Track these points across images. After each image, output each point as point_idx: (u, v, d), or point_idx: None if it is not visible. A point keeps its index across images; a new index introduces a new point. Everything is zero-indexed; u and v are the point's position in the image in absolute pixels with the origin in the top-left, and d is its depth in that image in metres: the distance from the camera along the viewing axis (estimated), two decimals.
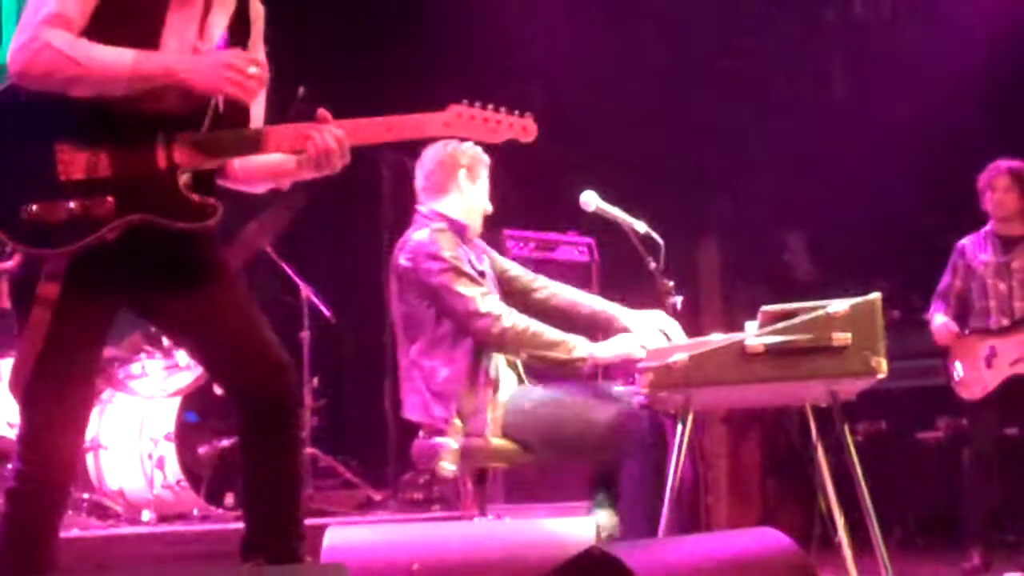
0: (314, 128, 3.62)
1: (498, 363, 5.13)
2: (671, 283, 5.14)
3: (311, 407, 6.94)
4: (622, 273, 6.68)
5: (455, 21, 8.38)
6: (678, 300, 5.15)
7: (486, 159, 5.33)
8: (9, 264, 3.52)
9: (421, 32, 8.39)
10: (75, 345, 3.45)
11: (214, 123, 3.50)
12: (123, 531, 5.89)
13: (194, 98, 3.48)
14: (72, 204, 3.34)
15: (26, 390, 3.40)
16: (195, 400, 6.28)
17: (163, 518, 6.16)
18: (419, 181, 5.31)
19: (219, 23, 3.64)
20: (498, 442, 5.01)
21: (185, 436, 6.20)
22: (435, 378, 5.01)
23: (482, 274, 5.15)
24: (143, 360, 6.66)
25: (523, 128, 3.83)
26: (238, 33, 3.67)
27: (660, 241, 5.13)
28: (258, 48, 3.75)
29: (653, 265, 5.13)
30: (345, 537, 3.88)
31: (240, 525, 5.74)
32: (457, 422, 4.95)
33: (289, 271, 7.19)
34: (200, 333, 3.65)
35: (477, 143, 4.11)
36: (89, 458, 6.35)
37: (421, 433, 5.08)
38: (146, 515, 6.15)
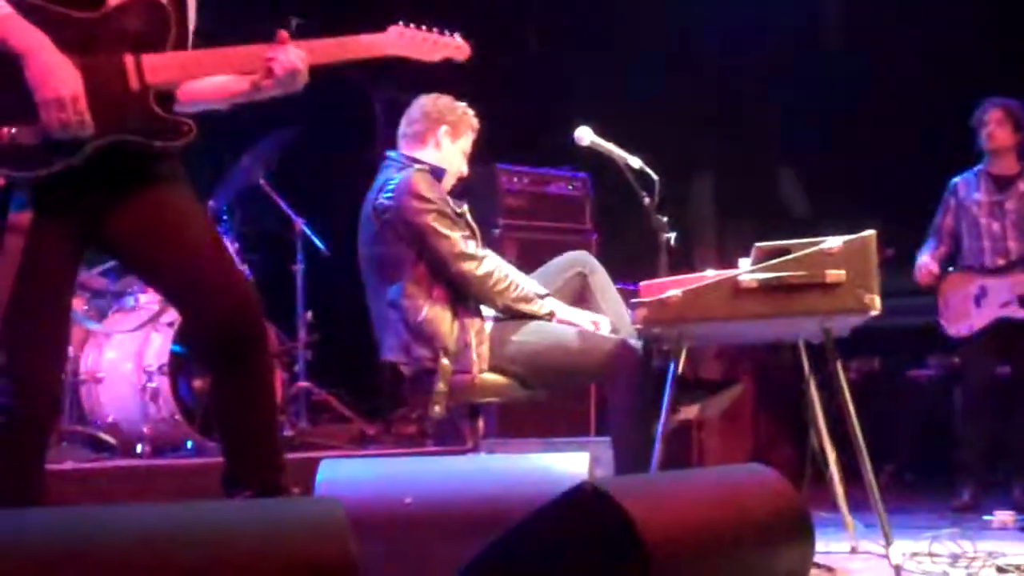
0: (278, 49, 3.64)
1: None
2: (665, 219, 5.14)
3: (304, 341, 6.94)
4: (616, 209, 6.68)
5: None
6: (672, 236, 5.15)
7: (475, 124, 5.35)
8: None
9: None
10: (49, 272, 3.43)
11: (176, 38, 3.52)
12: (118, 463, 5.89)
13: (156, 19, 3.48)
14: (37, 126, 3.31)
15: (3, 320, 3.37)
16: (187, 331, 6.25)
17: (157, 450, 6.17)
18: (402, 127, 5.33)
19: None
20: (488, 377, 5.02)
21: (178, 369, 6.18)
22: (416, 317, 5.01)
23: (461, 216, 5.16)
24: (136, 294, 6.64)
25: (457, 48, 4.09)
26: None
27: (654, 176, 5.12)
28: None
29: (647, 200, 5.13)
30: (338, 471, 3.88)
31: None
32: (444, 361, 4.95)
33: (282, 204, 7.17)
34: (167, 265, 3.62)
35: (418, 62, 4.03)
36: (84, 391, 6.36)
37: (405, 373, 5.09)
38: (140, 447, 6.16)
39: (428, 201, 5.03)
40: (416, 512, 3.62)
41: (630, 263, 6.80)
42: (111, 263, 6.49)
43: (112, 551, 1.89)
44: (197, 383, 6.21)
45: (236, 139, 7.13)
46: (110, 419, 6.30)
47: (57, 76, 3.33)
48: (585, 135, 5.26)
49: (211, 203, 6.91)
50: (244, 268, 6.79)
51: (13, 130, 3.31)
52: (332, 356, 7.19)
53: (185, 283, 3.62)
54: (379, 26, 3.94)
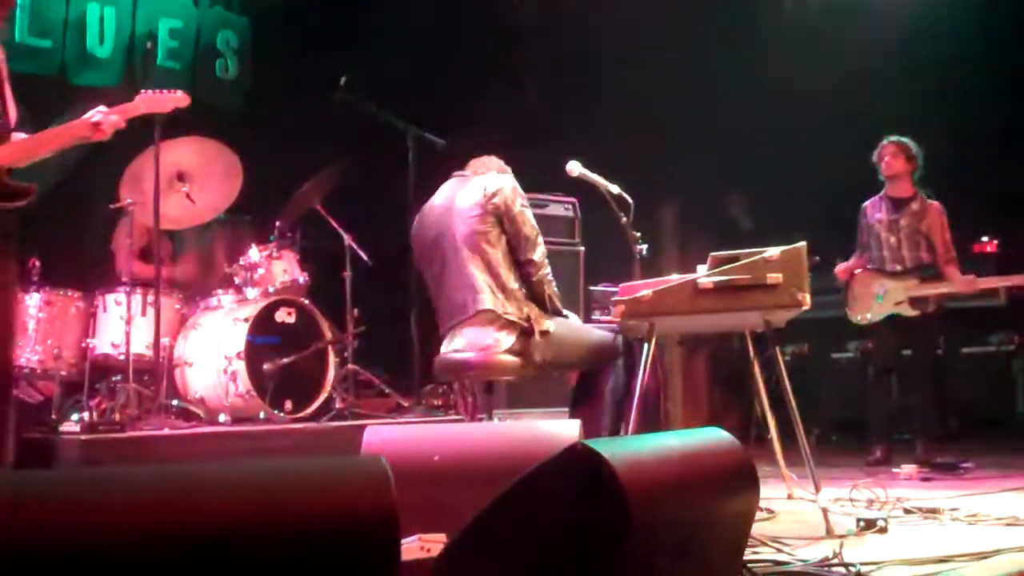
0: (101, 114, 4.43)
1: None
2: (638, 234, 5.13)
3: (352, 333, 6.93)
4: (598, 226, 6.68)
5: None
6: (644, 247, 5.14)
7: None
8: None
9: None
10: None
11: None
12: (204, 430, 5.88)
13: None
14: None
15: None
16: (259, 326, 6.24)
17: (236, 420, 6.15)
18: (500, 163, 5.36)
19: None
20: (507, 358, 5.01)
21: (252, 355, 6.17)
22: (507, 286, 5.02)
23: None
24: (219, 294, 6.65)
25: (181, 99, 5.01)
26: None
27: (629, 200, 5.11)
28: (6, 77, 4.40)
29: (624, 219, 5.12)
30: (380, 434, 3.87)
31: (297, 425, 5.78)
32: (530, 322, 4.97)
33: (335, 224, 7.17)
34: None
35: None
36: (178, 372, 6.36)
37: (487, 346, 5.07)
38: (222, 418, 6.15)
39: (525, 199, 5.19)
40: (443, 467, 3.61)
41: (610, 269, 6.80)
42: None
43: (196, 500, 1.88)
44: (267, 366, 6.20)
45: (297, 173, 7.13)
46: (198, 395, 6.29)
47: None
48: (575, 167, 5.25)
49: (278, 223, 6.91)
50: (304, 274, 6.80)
51: None
52: (374, 344, 7.17)
53: None
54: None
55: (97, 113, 4.39)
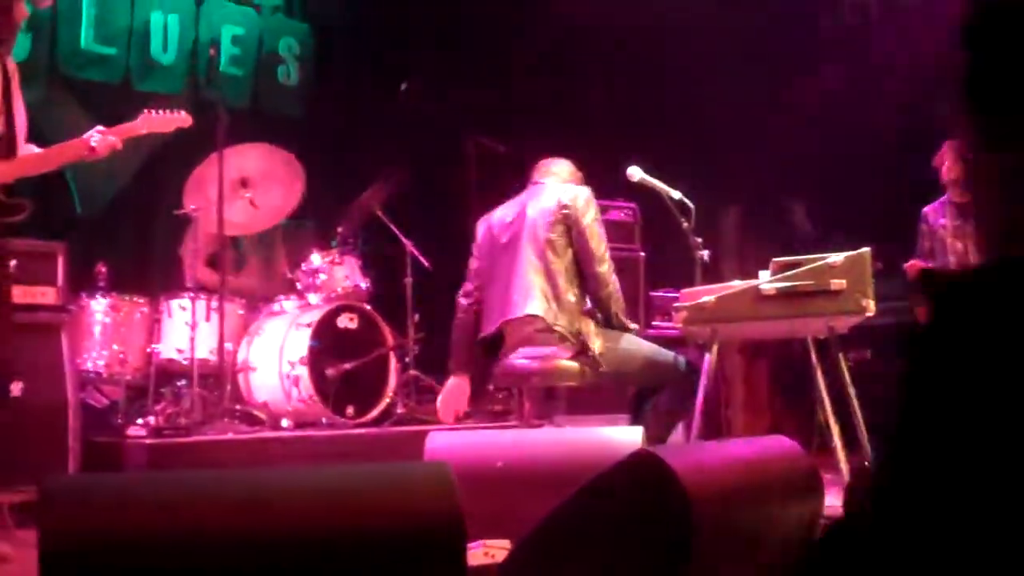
0: (97, 137, 4.55)
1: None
2: (699, 239, 5.12)
3: (413, 338, 6.97)
4: (659, 231, 6.66)
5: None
6: (705, 253, 5.13)
7: None
8: None
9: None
10: None
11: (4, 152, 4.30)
12: (268, 435, 5.94)
13: None
14: None
15: None
16: (322, 331, 6.29)
17: (298, 425, 6.21)
18: (572, 170, 5.35)
19: None
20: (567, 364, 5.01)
21: (315, 360, 6.22)
22: (563, 299, 5.02)
23: None
24: (282, 300, 6.72)
25: (183, 120, 5.03)
26: (4, 88, 4.36)
27: (691, 205, 5.11)
28: (18, 98, 4.44)
29: (685, 225, 5.12)
30: (443, 440, 3.90)
31: (359, 431, 5.82)
32: (581, 338, 4.97)
33: (395, 230, 7.22)
34: None
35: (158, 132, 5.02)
36: (241, 377, 6.43)
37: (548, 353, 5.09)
38: (285, 423, 6.20)
39: (597, 216, 5.15)
40: (506, 473, 3.63)
41: (670, 275, 6.79)
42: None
43: (270, 505, 1.91)
44: (329, 371, 6.25)
45: (360, 178, 7.19)
46: (261, 400, 6.36)
47: None
48: (635, 172, 5.25)
49: (339, 229, 6.97)
50: (365, 280, 6.85)
51: None
52: (434, 350, 7.19)
53: None
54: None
55: (95, 134, 4.52)
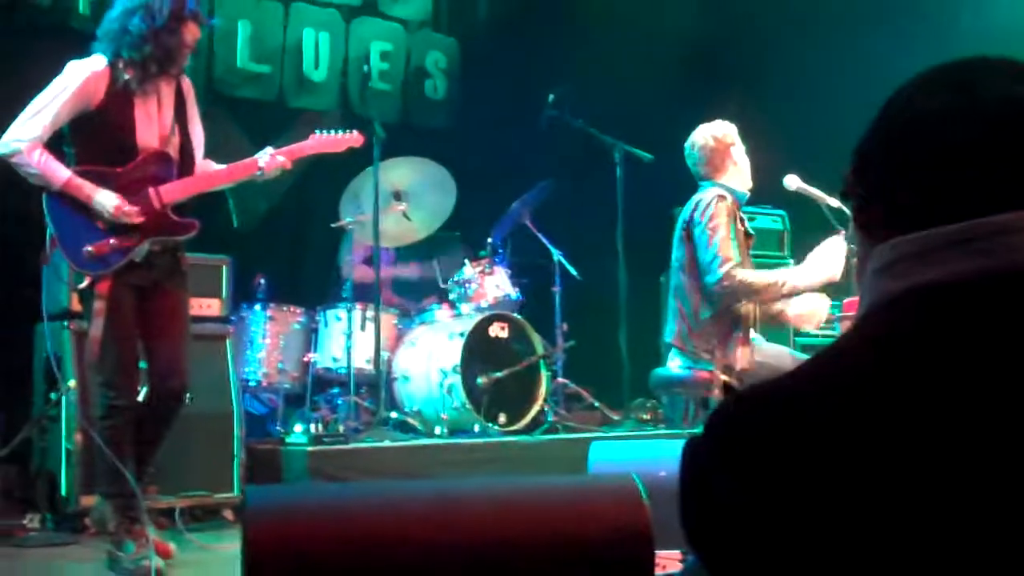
0: (265, 157, 4.63)
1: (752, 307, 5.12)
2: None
3: (561, 347, 6.99)
4: (808, 239, 6.57)
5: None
6: None
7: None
8: (83, 285, 4.32)
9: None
10: (124, 319, 4.27)
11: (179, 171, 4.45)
12: (423, 443, 6.00)
13: (164, 163, 4.39)
14: (112, 240, 4.25)
15: (99, 354, 4.20)
16: (474, 340, 6.34)
17: (451, 432, 6.25)
18: (699, 166, 5.29)
19: (168, 107, 4.45)
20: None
21: (468, 368, 6.26)
22: (697, 314, 5.01)
23: (749, 236, 5.15)
24: (434, 310, 6.80)
25: (354, 140, 5.01)
26: (180, 110, 4.50)
27: (850, 213, 5.03)
28: (194, 117, 4.60)
29: (843, 233, 5.05)
30: (605, 450, 3.90)
31: (511, 439, 5.85)
32: (718, 353, 4.94)
33: (544, 239, 7.25)
34: (151, 339, 4.40)
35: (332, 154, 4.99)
36: (395, 386, 6.51)
37: (676, 362, 5.05)
38: (439, 430, 6.26)
39: (714, 217, 5.02)
40: (670, 483, 3.60)
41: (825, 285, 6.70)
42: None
43: (461, 515, 1.93)
44: (482, 380, 6.29)
45: (508, 190, 7.24)
46: (415, 408, 6.42)
47: (107, 196, 4.26)
48: (793, 181, 5.20)
49: (490, 240, 7.02)
50: (516, 290, 6.88)
51: (91, 248, 4.22)
52: (582, 358, 7.21)
53: (151, 352, 4.42)
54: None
55: (265, 155, 4.60)
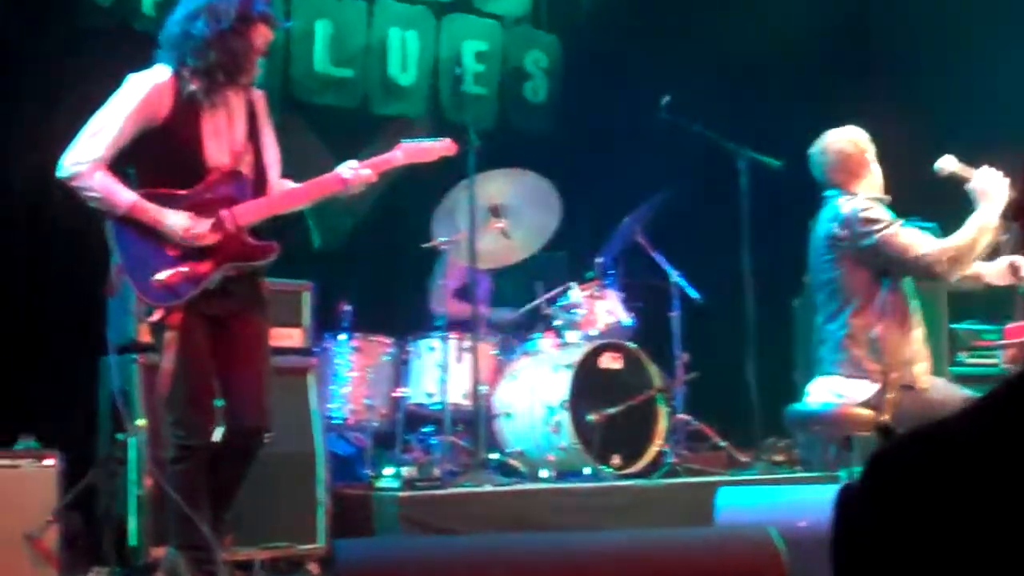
0: (350, 172, 4.64)
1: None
2: None
3: (682, 380, 6.93)
4: None
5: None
6: None
7: None
8: (154, 318, 4.36)
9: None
10: (197, 352, 4.32)
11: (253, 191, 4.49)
12: (527, 487, 5.99)
13: (238, 182, 4.43)
14: (183, 268, 4.30)
15: (170, 390, 4.27)
16: (583, 373, 6.32)
17: (559, 475, 6.24)
18: (832, 174, 5.24)
19: (239, 120, 4.49)
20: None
21: (577, 404, 6.24)
22: (868, 334, 4.94)
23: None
24: (538, 339, 6.79)
25: (447, 148, 4.96)
26: (251, 120, 4.53)
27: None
28: (266, 125, 4.62)
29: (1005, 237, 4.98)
30: (734, 497, 3.85)
31: (627, 483, 5.82)
32: (893, 374, 4.87)
33: (659, 258, 7.20)
34: (230, 370, 4.43)
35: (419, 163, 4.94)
36: (496, 424, 6.52)
37: (841, 400, 4.99)
38: (544, 473, 6.25)
39: (879, 221, 4.98)
40: (811, 534, 3.55)
41: (974, 304, 6.57)
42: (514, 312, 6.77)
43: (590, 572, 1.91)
44: (592, 417, 6.26)
45: (618, 204, 7.22)
46: (519, 448, 6.42)
47: (177, 218, 4.33)
48: (948, 163, 5.09)
49: (599, 260, 7.00)
50: (629, 315, 6.85)
51: (161, 277, 4.27)
52: (706, 392, 7.14)
53: (228, 387, 4.44)
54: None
55: (348, 168, 4.60)
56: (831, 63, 8.41)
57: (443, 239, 6.56)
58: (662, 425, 6.48)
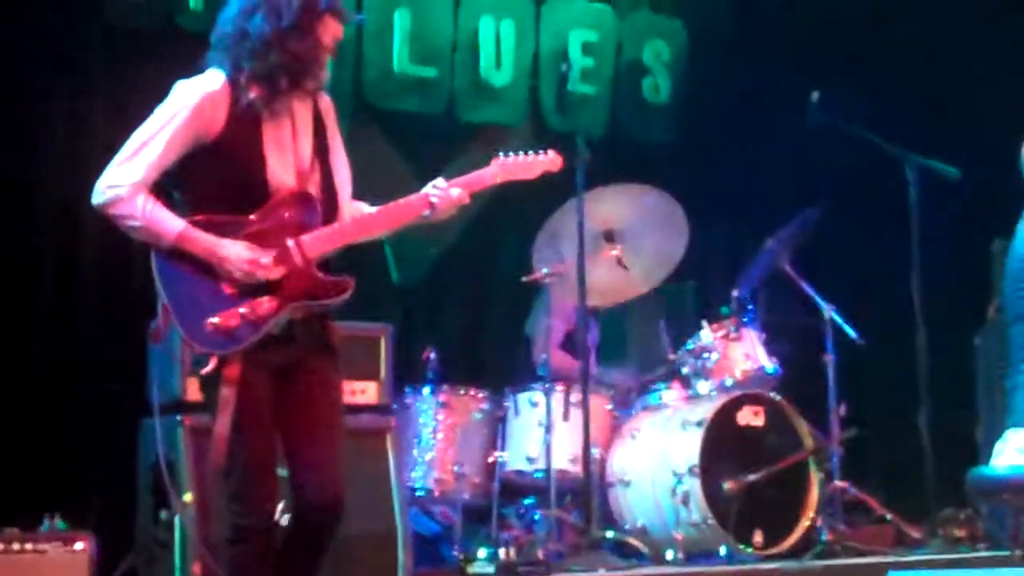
0: (437, 191, 4.53)
1: None
2: None
3: (840, 438, 6.88)
4: None
5: None
6: None
7: None
8: (208, 369, 4.25)
9: None
10: (259, 411, 4.24)
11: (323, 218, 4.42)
12: (651, 572, 5.98)
13: (306, 206, 4.38)
14: (242, 309, 4.21)
15: (226, 459, 4.19)
16: (717, 431, 6.29)
17: (689, 556, 6.21)
18: None
19: (305, 133, 4.44)
20: None
21: (710, 469, 6.22)
22: None
23: None
24: (662, 391, 6.78)
25: (551, 162, 4.86)
26: (318, 132, 4.48)
27: None
28: (338, 143, 4.59)
29: None
30: None
31: (771, 565, 5.80)
32: None
33: (809, 290, 7.16)
34: (294, 432, 4.36)
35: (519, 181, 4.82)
36: (612, 494, 6.52)
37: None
38: (671, 554, 6.22)
39: None
40: None
41: None
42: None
43: None
44: (730, 485, 6.23)
45: (758, 225, 7.20)
46: (639, 523, 6.41)
47: (236, 248, 4.25)
48: None
49: (735, 293, 6.98)
50: (773, 360, 6.82)
51: (215, 320, 4.19)
52: (869, 452, 7.10)
53: (294, 454, 4.37)
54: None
55: (436, 189, 4.57)
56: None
57: (546, 271, 6.58)
58: (814, 494, 6.44)
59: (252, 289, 4.27)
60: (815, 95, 6.98)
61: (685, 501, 6.23)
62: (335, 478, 4.36)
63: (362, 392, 5.84)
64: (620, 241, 6.76)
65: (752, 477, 6.28)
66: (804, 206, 7.14)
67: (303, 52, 4.38)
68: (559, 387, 6.55)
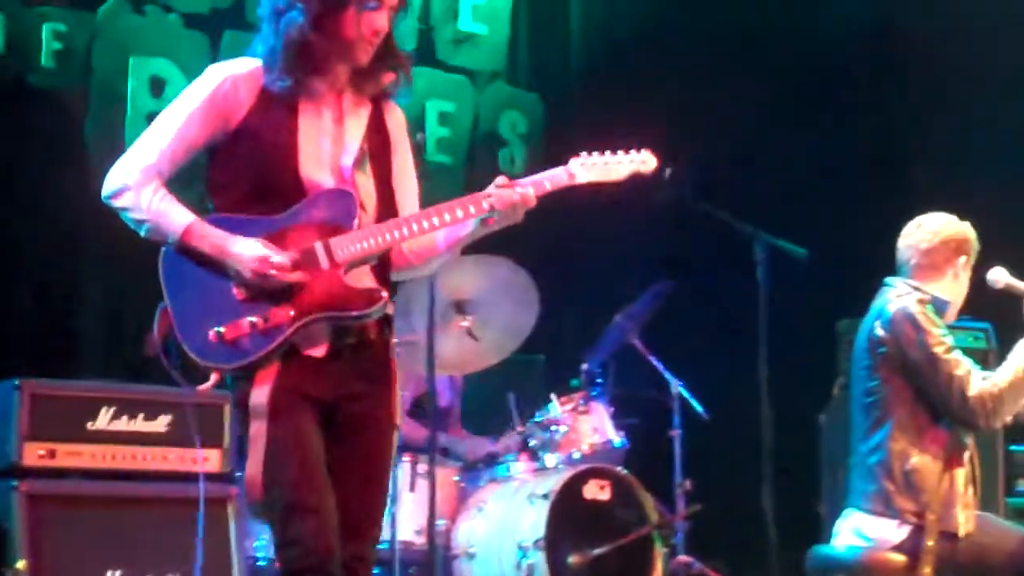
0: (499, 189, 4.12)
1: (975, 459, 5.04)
2: None
3: (683, 513, 6.92)
4: None
5: None
6: None
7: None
8: (206, 386, 3.77)
9: None
10: (298, 438, 3.70)
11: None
12: None
13: (342, 205, 3.82)
14: (252, 318, 3.70)
15: (263, 502, 3.70)
16: (563, 505, 6.29)
17: None
18: (909, 253, 5.19)
19: (354, 133, 3.94)
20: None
21: (556, 542, 6.21)
22: (903, 466, 4.92)
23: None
24: (509, 463, 6.76)
25: (642, 162, 4.34)
26: (376, 143, 3.98)
27: None
28: (405, 156, 4.12)
29: None
30: None
31: None
32: (931, 516, 4.83)
33: (658, 365, 7.21)
34: (342, 486, 3.80)
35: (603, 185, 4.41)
36: (455, 566, 6.49)
37: (870, 544, 4.97)
38: None
39: (929, 333, 4.95)
40: None
41: None
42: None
43: None
44: (575, 558, 6.24)
45: (608, 298, 7.23)
46: None
47: (246, 246, 3.73)
48: (999, 276, 5.13)
49: (584, 366, 7.00)
50: (620, 434, 6.84)
51: (221, 328, 3.68)
52: (714, 527, 7.13)
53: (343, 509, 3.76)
54: None
55: (493, 187, 4.15)
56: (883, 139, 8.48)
57: (396, 340, 6.53)
58: (659, 569, 6.46)
59: (268, 296, 3.76)
60: (667, 171, 7.02)
61: (530, 574, 6.21)
62: (374, 530, 3.95)
63: (204, 460, 5.73)
64: (471, 312, 6.76)
65: (597, 551, 6.28)
66: (654, 281, 7.19)
67: (337, 37, 3.82)
68: (406, 457, 6.50)
